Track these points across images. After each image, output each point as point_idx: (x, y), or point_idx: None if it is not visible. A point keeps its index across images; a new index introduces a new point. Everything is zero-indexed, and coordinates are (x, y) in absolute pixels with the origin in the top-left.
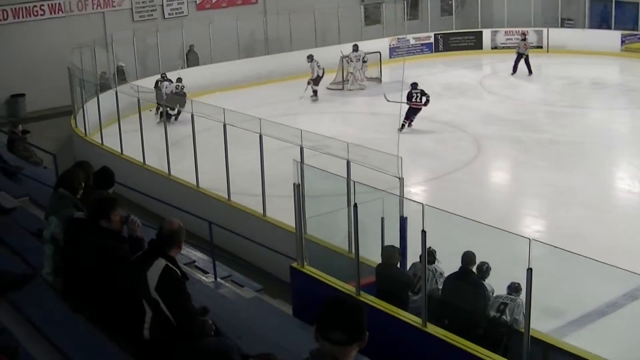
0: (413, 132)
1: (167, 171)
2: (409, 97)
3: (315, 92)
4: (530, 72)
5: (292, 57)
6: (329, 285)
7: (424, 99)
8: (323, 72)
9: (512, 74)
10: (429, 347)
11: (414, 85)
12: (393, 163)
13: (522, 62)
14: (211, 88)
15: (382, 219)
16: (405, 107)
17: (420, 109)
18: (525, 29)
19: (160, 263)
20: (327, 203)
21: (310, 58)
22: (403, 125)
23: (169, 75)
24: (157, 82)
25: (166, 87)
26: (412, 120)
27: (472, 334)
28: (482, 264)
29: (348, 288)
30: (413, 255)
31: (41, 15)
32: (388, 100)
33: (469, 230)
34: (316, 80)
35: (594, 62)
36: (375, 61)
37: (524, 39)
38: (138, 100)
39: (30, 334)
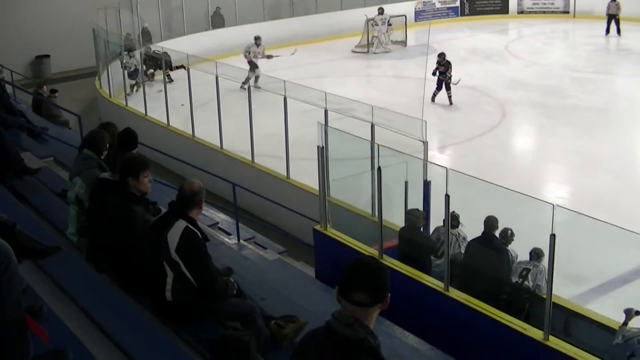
0: (438, 96)
1: (191, 133)
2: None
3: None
4: (619, 32)
5: (317, 19)
6: (352, 248)
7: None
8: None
9: (606, 34)
10: (451, 312)
11: (443, 55)
12: (417, 127)
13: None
14: (236, 50)
15: (406, 182)
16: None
17: None
18: None
19: (181, 224)
20: (351, 166)
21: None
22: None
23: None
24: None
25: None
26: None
27: (494, 299)
28: (507, 229)
29: (371, 251)
30: (436, 219)
31: None
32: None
33: (493, 195)
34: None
35: (622, 29)
36: (401, 24)
37: (614, 0)
38: (163, 61)
39: (55, 294)
